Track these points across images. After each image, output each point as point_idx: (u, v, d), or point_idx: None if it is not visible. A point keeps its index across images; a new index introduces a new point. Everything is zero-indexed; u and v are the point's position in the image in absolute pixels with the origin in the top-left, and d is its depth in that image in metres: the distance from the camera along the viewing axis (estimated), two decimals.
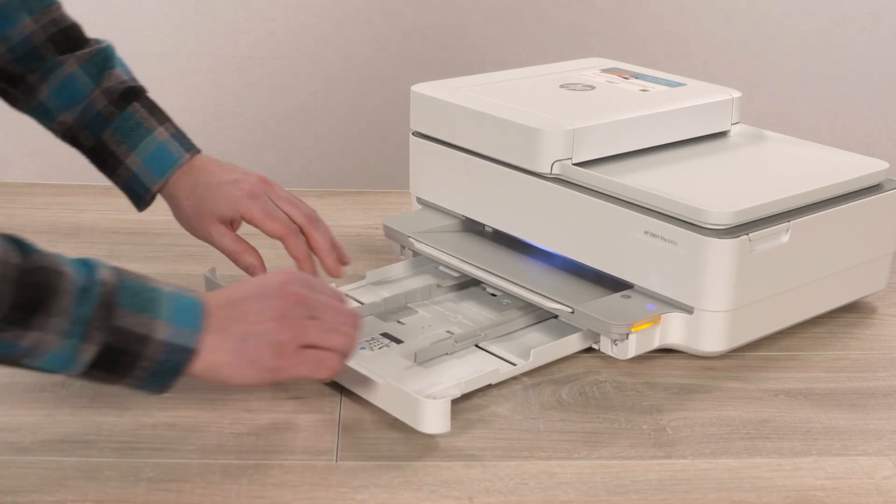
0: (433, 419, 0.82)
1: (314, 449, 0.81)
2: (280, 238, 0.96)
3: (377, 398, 0.86)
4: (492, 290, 1.05)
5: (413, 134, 1.13)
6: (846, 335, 1.02)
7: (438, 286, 1.05)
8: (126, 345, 0.74)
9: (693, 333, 0.93)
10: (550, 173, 1.00)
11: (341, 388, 0.88)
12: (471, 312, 1.02)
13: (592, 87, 1.12)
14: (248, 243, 0.97)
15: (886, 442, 0.85)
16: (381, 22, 1.75)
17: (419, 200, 1.15)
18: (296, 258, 0.96)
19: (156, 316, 0.75)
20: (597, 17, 1.78)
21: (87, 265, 0.75)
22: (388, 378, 0.85)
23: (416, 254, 1.09)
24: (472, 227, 1.11)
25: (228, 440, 0.81)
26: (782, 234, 0.94)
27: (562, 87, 1.12)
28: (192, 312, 0.77)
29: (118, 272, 0.76)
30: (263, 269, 0.97)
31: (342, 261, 0.99)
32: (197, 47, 1.71)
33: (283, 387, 0.88)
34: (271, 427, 0.83)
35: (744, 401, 0.90)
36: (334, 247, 0.98)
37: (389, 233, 1.11)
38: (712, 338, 0.94)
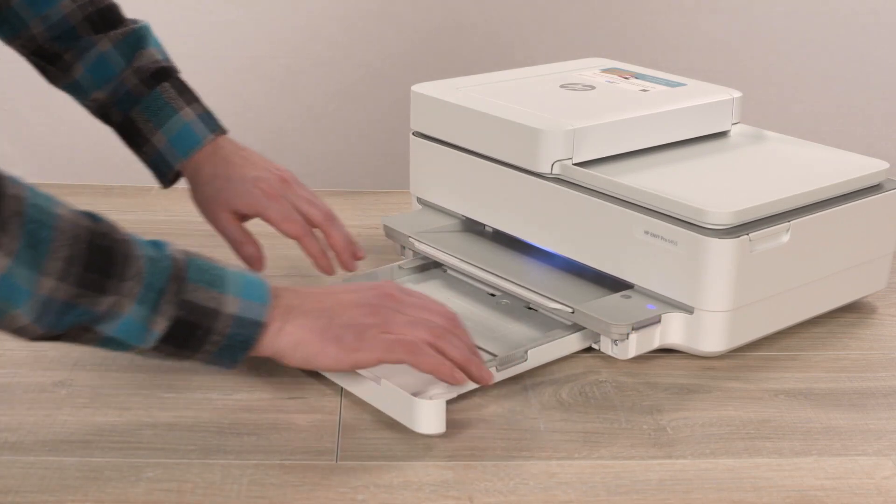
0: (428, 420, 0.82)
1: (314, 449, 0.81)
2: (296, 238, 1.00)
3: (374, 398, 0.86)
4: (491, 290, 1.04)
5: (413, 134, 1.13)
6: (846, 335, 1.02)
7: (400, 267, 1.07)
8: (196, 319, 0.77)
9: (693, 333, 0.93)
10: (551, 173, 1.00)
11: (341, 388, 0.88)
12: (467, 313, 1.01)
13: (592, 87, 1.12)
14: (251, 235, 1.01)
15: (886, 442, 0.85)
16: (382, 22, 1.75)
17: (419, 200, 1.15)
18: (312, 256, 1.00)
19: (224, 291, 0.79)
20: (597, 17, 1.78)
21: (155, 243, 0.79)
22: (386, 378, 0.85)
23: (416, 254, 1.09)
24: (472, 227, 1.11)
25: (228, 440, 0.81)
26: (782, 234, 0.94)
27: (562, 87, 1.12)
28: (259, 288, 0.81)
29: (185, 251, 0.80)
30: (262, 260, 1.01)
31: (356, 256, 1.02)
32: (196, 48, 1.71)
33: (283, 387, 0.88)
34: (271, 427, 0.83)
35: (744, 401, 0.90)
36: (349, 243, 1.02)
37: (389, 233, 1.11)
38: (712, 338, 0.94)
